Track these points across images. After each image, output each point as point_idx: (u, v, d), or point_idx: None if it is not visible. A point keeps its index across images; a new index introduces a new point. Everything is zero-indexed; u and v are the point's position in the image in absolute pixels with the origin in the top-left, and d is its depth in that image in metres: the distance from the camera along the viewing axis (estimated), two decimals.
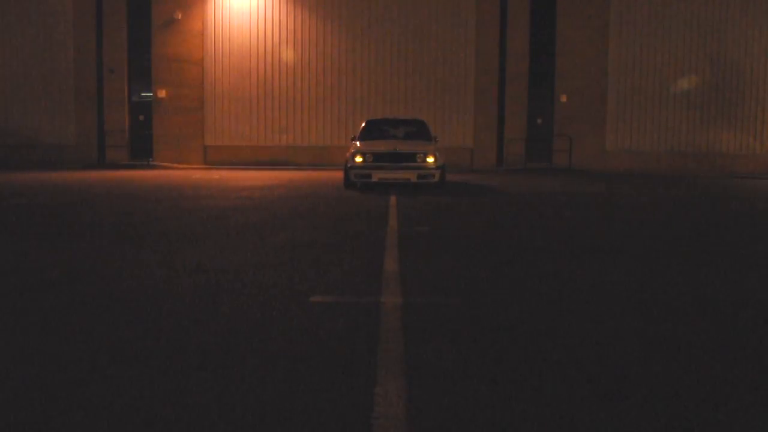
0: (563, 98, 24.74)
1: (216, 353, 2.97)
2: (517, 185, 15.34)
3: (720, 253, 6.01)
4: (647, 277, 4.75)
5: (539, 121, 25.01)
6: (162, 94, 24.77)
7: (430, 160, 12.61)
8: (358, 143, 13.64)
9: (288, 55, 24.72)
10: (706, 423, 2.29)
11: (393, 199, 10.86)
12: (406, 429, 2.22)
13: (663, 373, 2.77)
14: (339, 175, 14.89)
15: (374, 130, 15.03)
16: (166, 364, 2.81)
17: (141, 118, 25.26)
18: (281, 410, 2.36)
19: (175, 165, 24.04)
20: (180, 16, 24.46)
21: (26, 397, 2.47)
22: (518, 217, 9.21)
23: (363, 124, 15.41)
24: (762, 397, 2.52)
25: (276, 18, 24.79)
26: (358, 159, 12.79)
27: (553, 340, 3.19)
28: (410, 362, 2.85)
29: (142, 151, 24.83)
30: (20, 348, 3.04)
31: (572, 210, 10.05)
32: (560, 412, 2.37)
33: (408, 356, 2.92)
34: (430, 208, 9.73)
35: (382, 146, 13.16)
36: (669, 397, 2.51)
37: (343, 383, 2.60)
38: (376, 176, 12.62)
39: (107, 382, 2.61)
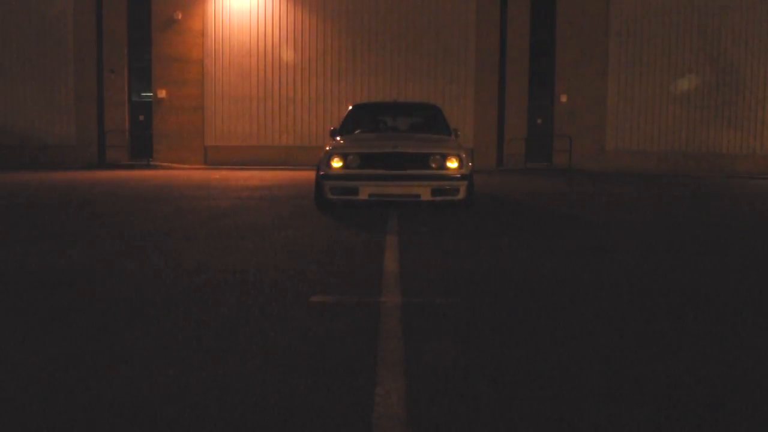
0: (563, 98, 24.74)
1: (216, 353, 2.97)
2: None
3: None
4: None
5: (539, 121, 25.02)
6: (162, 94, 24.77)
7: (453, 164, 8.47)
8: (339, 139, 9.56)
9: (288, 54, 24.73)
10: (707, 423, 2.29)
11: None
12: (406, 429, 2.22)
13: (665, 373, 2.77)
14: None
15: (364, 119, 10.80)
16: (166, 363, 2.81)
17: (141, 118, 25.27)
18: (281, 410, 2.36)
19: (175, 165, 24.04)
20: (180, 16, 24.46)
21: (27, 397, 2.47)
22: None
23: (349, 110, 11.14)
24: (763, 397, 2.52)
25: (276, 18, 24.78)
26: (337, 163, 8.49)
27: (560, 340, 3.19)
28: (410, 362, 2.85)
29: (142, 151, 24.83)
30: (20, 348, 3.04)
31: None
32: (560, 412, 2.37)
33: (408, 356, 2.92)
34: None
35: (374, 144, 8.92)
36: (669, 397, 2.51)
37: (343, 383, 2.60)
38: (366, 191, 8.35)
39: (107, 382, 2.61)
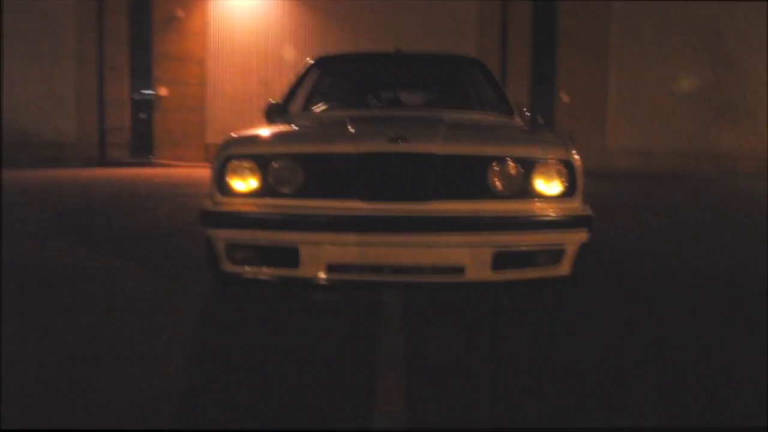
0: (565, 98, 24.74)
1: (215, 352, 2.97)
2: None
3: None
4: None
5: (540, 121, 25.02)
6: (163, 91, 24.77)
7: (549, 185, 3.11)
8: (281, 128, 4.24)
9: (290, 53, 24.72)
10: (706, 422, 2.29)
11: None
12: (407, 427, 2.22)
13: (665, 373, 2.77)
14: None
15: (337, 85, 5.67)
16: (166, 364, 2.81)
17: (142, 116, 25.28)
18: (281, 409, 2.36)
19: (176, 163, 24.04)
20: (182, 15, 24.47)
21: (26, 396, 2.47)
22: None
23: (308, 65, 5.16)
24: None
25: (278, 17, 24.80)
26: (243, 183, 3.23)
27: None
28: (411, 361, 2.84)
29: (143, 149, 24.82)
30: (20, 347, 3.04)
31: None
32: (561, 412, 2.37)
33: (409, 355, 2.92)
34: None
35: (346, 134, 3.26)
36: (670, 397, 2.51)
37: (343, 382, 2.60)
38: (318, 259, 3.06)
39: (107, 381, 2.61)
